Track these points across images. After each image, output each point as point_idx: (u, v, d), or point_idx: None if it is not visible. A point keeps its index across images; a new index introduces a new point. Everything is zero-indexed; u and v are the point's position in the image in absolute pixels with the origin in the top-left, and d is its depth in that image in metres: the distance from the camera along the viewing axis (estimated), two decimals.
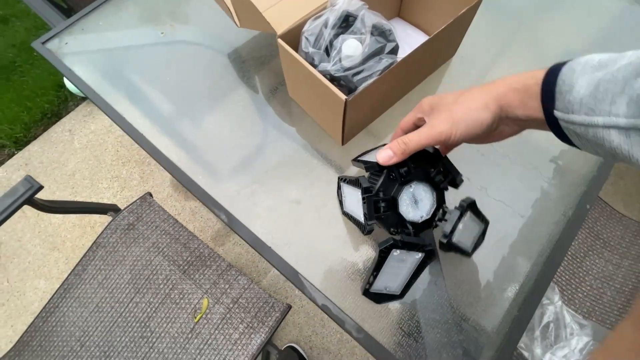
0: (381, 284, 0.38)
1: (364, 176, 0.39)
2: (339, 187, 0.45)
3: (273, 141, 0.52)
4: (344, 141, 0.49)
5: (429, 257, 0.37)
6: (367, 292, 0.39)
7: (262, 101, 0.56)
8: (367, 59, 0.43)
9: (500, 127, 0.33)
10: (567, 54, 0.59)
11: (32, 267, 1.19)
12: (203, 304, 0.71)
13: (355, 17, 0.44)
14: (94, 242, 0.77)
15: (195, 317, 0.71)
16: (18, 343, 0.73)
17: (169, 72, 0.59)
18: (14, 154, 1.39)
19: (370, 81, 0.40)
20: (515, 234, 0.45)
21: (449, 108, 0.32)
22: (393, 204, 0.37)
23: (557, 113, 0.26)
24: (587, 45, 0.60)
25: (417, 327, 0.41)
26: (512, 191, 0.47)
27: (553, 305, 0.61)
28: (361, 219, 0.39)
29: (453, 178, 0.38)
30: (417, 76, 0.53)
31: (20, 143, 1.39)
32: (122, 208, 0.82)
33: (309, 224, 0.44)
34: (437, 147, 0.38)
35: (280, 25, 0.43)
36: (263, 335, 0.68)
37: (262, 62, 0.59)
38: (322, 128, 0.52)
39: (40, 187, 0.63)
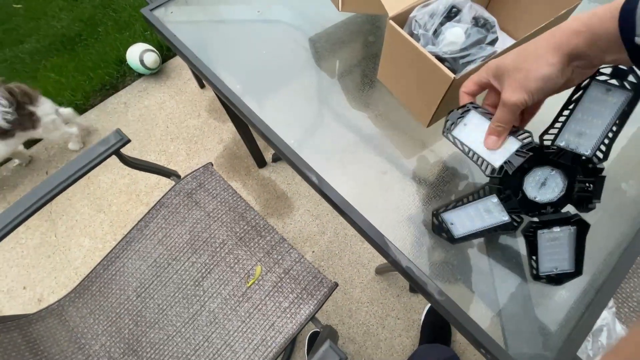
0: (548, 266, 0.40)
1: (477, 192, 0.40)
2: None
3: (358, 118, 0.56)
4: (431, 122, 0.52)
5: (581, 227, 0.37)
6: (537, 277, 0.41)
7: (346, 82, 0.60)
8: (467, 47, 0.47)
9: (571, 75, 0.32)
10: None
11: (78, 226, 1.25)
12: (256, 271, 0.75)
13: (459, 9, 0.48)
14: (158, 201, 0.82)
15: (248, 282, 0.74)
16: (79, 286, 0.77)
17: (262, 46, 0.64)
18: None
19: (474, 65, 0.43)
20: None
21: (513, 76, 0.33)
22: (523, 194, 0.37)
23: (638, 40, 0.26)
24: None
25: (495, 301, 0.43)
26: None
27: (607, 309, 0.62)
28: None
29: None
30: None
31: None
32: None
33: (395, 193, 0.47)
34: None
35: (392, 8, 0.47)
36: (312, 306, 0.71)
37: (346, 44, 0.63)
38: (407, 109, 0.56)
39: (128, 141, 0.68)
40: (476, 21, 0.48)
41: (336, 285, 0.74)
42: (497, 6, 0.60)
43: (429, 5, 0.47)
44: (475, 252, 0.46)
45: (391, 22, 0.46)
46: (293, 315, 0.71)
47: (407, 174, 0.51)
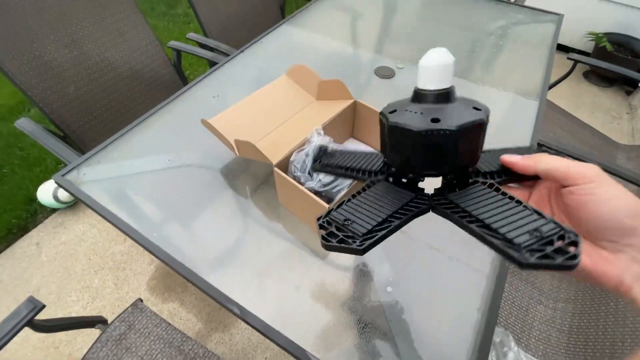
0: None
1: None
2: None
3: (269, 240, 0.65)
4: None
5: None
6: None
7: (251, 205, 0.70)
8: (336, 178, 0.61)
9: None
10: None
11: None
12: None
13: (326, 147, 0.63)
14: (82, 359, 0.76)
15: None
16: None
17: (175, 190, 0.72)
18: None
19: (343, 192, 0.57)
20: (466, 287, 0.59)
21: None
22: None
23: None
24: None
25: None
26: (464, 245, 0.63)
27: (511, 350, 0.72)
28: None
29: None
30: None
31: None
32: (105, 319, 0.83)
33: (308, 305, 0.55)
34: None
35: (274, 156, 0.61)
36: None
37: (250, 176, 0.75)
38: (309, 227, 0.67)
39: (43, 306, 0.66)
40: None
41: None
42: (359, 129, 0.79)
43: (303, 150, 0.62)
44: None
45: (276, 169, 0.59)
46: None
47: (317, 285, 0.59)
